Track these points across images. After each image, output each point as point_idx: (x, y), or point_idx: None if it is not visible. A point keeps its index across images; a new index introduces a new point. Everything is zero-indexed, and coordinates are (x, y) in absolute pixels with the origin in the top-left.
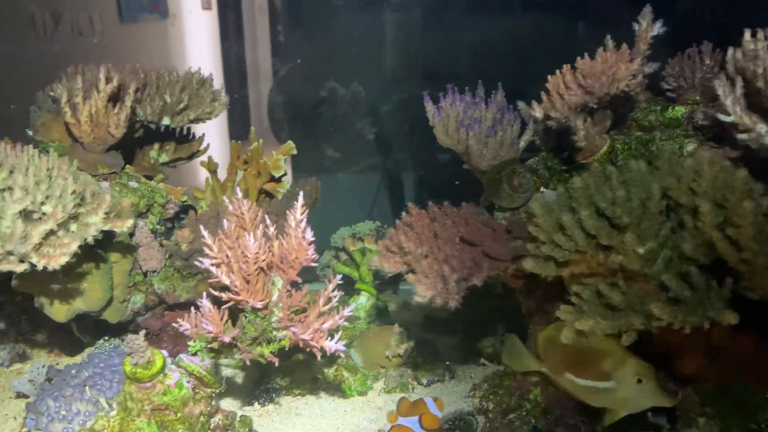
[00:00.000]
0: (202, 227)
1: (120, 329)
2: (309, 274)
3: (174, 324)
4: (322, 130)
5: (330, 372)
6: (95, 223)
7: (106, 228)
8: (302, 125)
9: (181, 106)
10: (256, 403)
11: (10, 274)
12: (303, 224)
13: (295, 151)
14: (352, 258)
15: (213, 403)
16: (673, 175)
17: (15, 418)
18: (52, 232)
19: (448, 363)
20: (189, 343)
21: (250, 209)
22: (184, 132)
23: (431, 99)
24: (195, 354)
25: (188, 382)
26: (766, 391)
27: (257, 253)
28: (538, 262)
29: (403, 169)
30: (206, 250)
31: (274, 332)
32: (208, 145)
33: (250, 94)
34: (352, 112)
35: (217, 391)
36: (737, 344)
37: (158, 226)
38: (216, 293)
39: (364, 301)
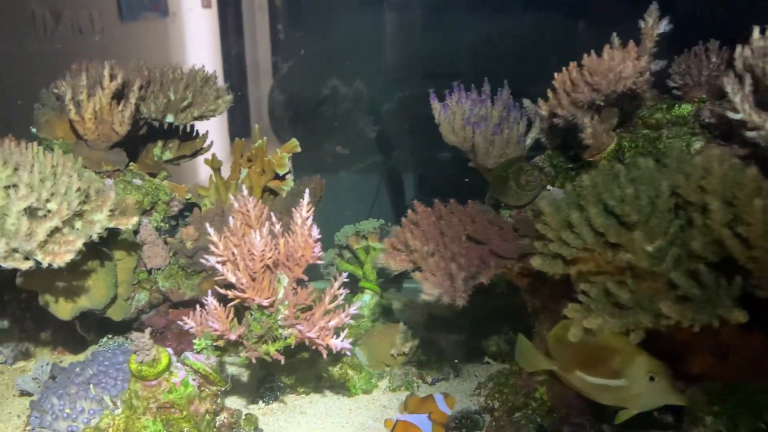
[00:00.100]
0: (207, 225)
1: (124, 327)
2: (312, 273)
3: (179, 322)
4: (322, 128)
5: (335, 370)
6: (100, 221)
7: (111, 225)
8: (302, 123)
9: (185, 103)
10: (260, 402)
11: (14, 272)
12: (309, 222)
13: (299, 149)
14: (355, 256)
15: (218, 401)
16: (682, 172)
17: (19, 416)
18: (57, 230)
19: (456, 362)
20: (194, 341)
21: (255, 207)
22: (188, 129)
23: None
24: (200, 352)
25: (194, 380)
26: None
27: (263, 250)
28: (546, 260)
29: (404, 167)
30: (212, 248)
31: (280, 330)
32: (212, 142)
33: (249, 92)
34: (353, 110)
35: (223, 389)
36: (745, 343)
37: (162, 224)
38: (222, 291)
39: (368, 299)
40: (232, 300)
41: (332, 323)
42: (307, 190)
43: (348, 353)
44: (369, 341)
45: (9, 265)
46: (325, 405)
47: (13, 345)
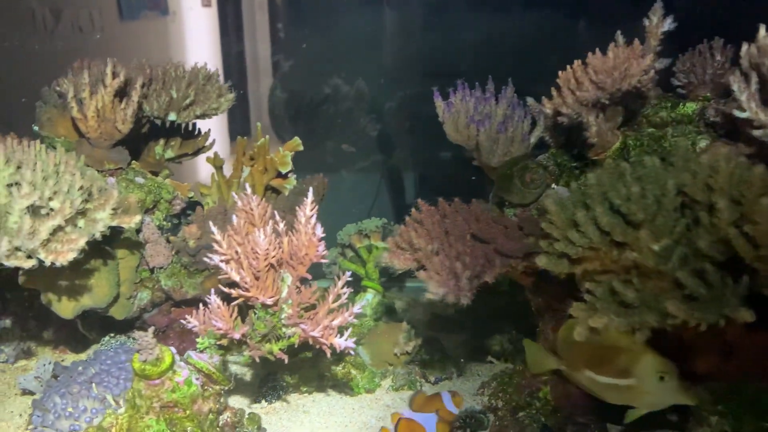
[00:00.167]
0: (211, 223)
1: (126, 326)
2: (314, 271)
3: (182, 321)
4: (322, 127)
5: (338, 369)
6: (103, 219)
7: (114, 224)
8: (302, 122)
9: (188, 101)
10: (263, 401)
11: (16, 271)
12: (313, 220)
13: (301, 147)
14: (358, 255)
15: (222, 400)
16: (689, 171)
17: (21, 415)
18: (59, 228)
19: (462, 360)
20: (197, 339)
21: (259, 205)
22: (190, 128)
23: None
24: (203, 351)
25: (197, 379)
26: None
27: (267, 249)
28: (551, 259)
29: (404, 166)
30: (215, 246)
31: (284, 329)
32: (214, 141)
33: (249, 90)
34: (353, 109)
35: (226, 388)
36: (751, 342)
37: (165, 222)
38: (225, 289)
39: (370, 298)
40: (235, 299)
41: (336, 322)
42: (311, 189)
43: (351, 352)
44: (372, 340)
45: (12, 263)
46: (328, 404)
47: (15, 344)
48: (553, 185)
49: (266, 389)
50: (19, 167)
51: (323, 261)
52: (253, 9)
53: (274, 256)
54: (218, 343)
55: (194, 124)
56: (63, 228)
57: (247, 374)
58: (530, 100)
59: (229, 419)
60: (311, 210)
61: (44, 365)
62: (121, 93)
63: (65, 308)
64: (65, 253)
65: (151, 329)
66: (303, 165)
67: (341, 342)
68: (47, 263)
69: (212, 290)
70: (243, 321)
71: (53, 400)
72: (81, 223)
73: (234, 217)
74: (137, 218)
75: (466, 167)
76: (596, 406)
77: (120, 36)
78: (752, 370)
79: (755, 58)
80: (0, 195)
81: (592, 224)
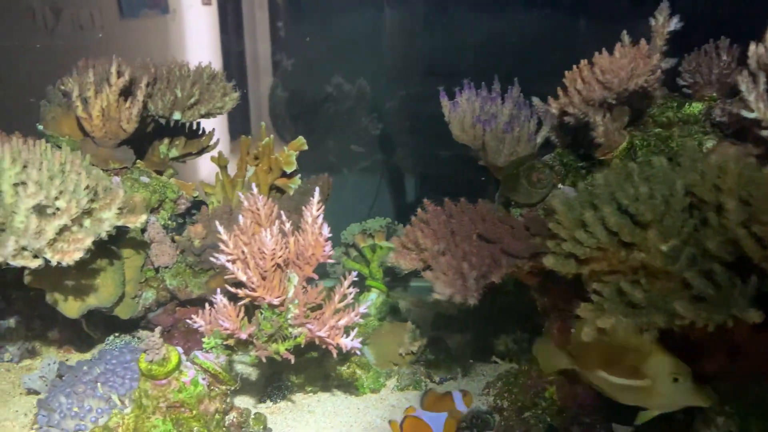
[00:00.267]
0: (217, 223)
1: (130, 325)
2: (317, 270)
3: (188, 320)
4: (322, 126)
5: (343, 369)
6: (109, 219)
7: (120, 223)
8: (303, 121)
9: (192, 100)
10: (268, 400)
11: (20, 270)
12: (320, 220)
13: (306, 147)
14: (362, 254)
15: (228, 400)
16: (697, 171)
17: (26, 414)
18: (66, 228)
19: (464, 361)
20: (203, 339)
21: (265, 205)
22: (194, 127)
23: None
24: (210, 351)
25: (203, 379)
26: None
27: (274, 249)
28: (559, 259)
29: (404, 166)
30: (222, 246)
31: (290, 329)
32: (218, 140)
33: (249, 89)
34: (354, 108)
35: (232, 388)
36: (758, 343)
37: (169, 222)
38: (232, 289)
39: (374, 297)
40: (240, 298)
41: (342, 322)
42: (317, 189)
43: (358, 352)
44: (377, 340)
45: (18, 263)
46: (333, 404)
47: (20, 343)
48: (560, 185)
49: (271, 389)
50: (25, 166)
51: (330, 261)
52: (253, 7)
53: (280, 256)
54: (225, 343)
55: (198, 124)
56: (69, 227)
57: (252, 374)
58: (536, 100)
59: (235, 419)
60: (318, 210)
61: (49, 365)
62: (126, 92)
63: (71, 308)
64: (71, 253)
65: (158, 329)
66: (303, 164)
67: (348, 342)
68: (53, 263)
69: (218, 290)
70: (249, 321)
71: (59, 399)
72: (87, 222)
73: (240, 217)
74: (143, 218)
75: (467, 167)
76: (602, 406)
77: (120, 34)
78: (760, 371)
79: (763, 59)
80: (6, 194)
81: (600, 224)
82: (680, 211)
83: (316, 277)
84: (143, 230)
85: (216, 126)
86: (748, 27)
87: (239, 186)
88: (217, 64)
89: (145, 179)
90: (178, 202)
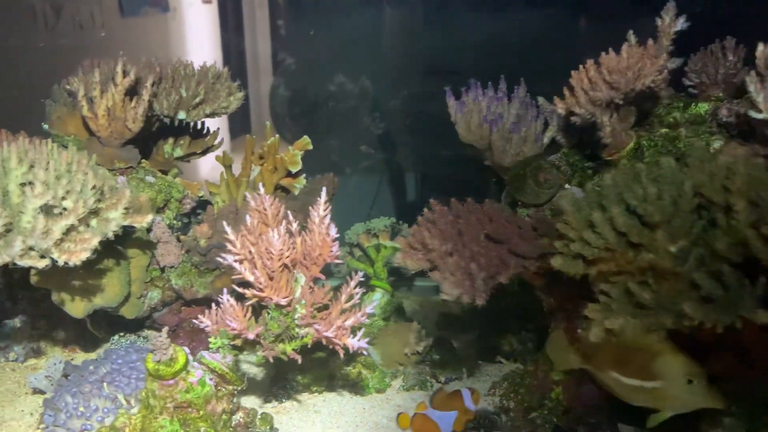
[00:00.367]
0: (224, 223)
1: (136, 325)
2: (322, 269)
3: (194, 320)
4: (323, 125)
5: (348, 369)
6: (115, 219)
7: (126, 223)
8: (304, 121)
9: (197, 100)
10: (274, 400)
11: (26, 270)
12: (327, 220)
13: (311, 146)
14: (366, 254)
15: (234, 400)
16: (705, 172)
17: (32, 414)
18: (72, 228)
19: (469, 361)
20: (210, 339)
21: (272, 205)
22: (198, 126)
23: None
24: (216, 351)
25: (210, 379)
26: None
27: (282, 249)
28: (567, 259)
29: (405, 165)
30: (229, 246)
31: (297, 329)
32: (222, 140)
33: (249, 88)
34: (355, 107)
35: (239, 388)
36: (767, 344)
37: (175, 222)
38: (239, 289)
39: (379, 297)
40: (247, 298)
41: (349, 322)
42: (323, 189)
43: (365, 353)
44: (382, 340)
45: (25, 263)
46: (338, 404)
47: (25, 342)
48: (567, 185)
49: (277, 389)
50: (31, 166)
51: (338, 261)
52: (253, 6)
53: (288, 257)
54: (232, 343)
55: (203, 123)
56: (76, 227)
57: (257, 374)
58: (541, 100)
59: (241, 419)
60: (325, 210)
61: (55, 364)
62: (132, 92)
63: (77, 308)
64: (78, 253)
65: (165, 329)
66: (303, 163)
67: (354, 342)
68: (60, 263)
69: (224, 290)
70: (255, 321)
71: (64, 399)
72: (94, 222)
73: (247, 216)
74: (149, 217)
75: (468, 166)
76: (608, 406)
77: (120, 33)
78: (767, 371)
79: None
80: (13, 194)
81: (609, 225)
82: (689, 212)
83: (323, 277)
84: (149, 230)
85: (216, 125)
86: (755, 27)
87: (244, 186)
88: (217, 63)
89: (150, 179)
90: (183, 202)
